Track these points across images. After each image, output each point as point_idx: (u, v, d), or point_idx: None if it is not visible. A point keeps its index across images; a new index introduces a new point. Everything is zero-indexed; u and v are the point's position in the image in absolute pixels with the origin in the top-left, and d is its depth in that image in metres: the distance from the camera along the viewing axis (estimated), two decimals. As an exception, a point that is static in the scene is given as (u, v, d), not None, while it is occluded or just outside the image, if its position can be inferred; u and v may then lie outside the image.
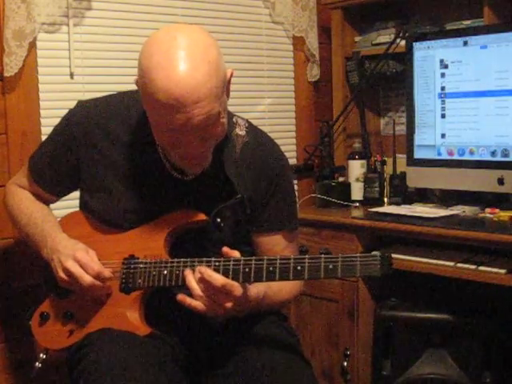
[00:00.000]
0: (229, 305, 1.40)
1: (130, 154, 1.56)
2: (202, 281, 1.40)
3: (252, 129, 1.62)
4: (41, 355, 1.62)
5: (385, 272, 1.33)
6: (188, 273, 1.42)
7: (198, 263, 1.44)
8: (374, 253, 1.34)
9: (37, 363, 1.62)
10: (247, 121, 1.64)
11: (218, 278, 1.38)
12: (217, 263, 1.42)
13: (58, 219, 1.68)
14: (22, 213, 1.65)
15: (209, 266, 1.42)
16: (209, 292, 1.39)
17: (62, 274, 1.49)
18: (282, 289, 1.59)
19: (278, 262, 1.39)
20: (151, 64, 1.33)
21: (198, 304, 1.40)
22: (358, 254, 1.35)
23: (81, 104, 1.63)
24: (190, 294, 1.42)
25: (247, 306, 1.46)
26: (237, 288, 1.39)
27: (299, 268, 1.37)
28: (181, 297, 1.42)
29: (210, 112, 1.35)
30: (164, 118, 1.34)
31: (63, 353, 1.58)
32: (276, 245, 1.62)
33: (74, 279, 1.47)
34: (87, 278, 1.47)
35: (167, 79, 1.30)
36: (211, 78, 1.33)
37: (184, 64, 1.31)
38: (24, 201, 1.68)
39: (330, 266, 1.35)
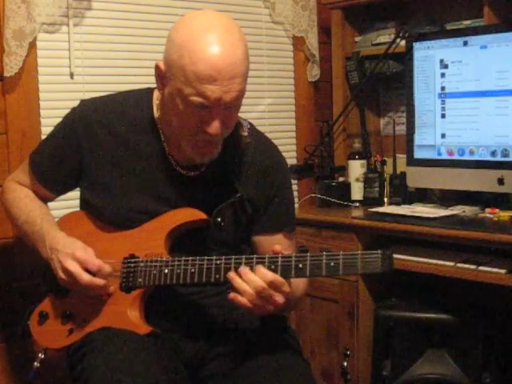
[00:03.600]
0: (280, 300, 1.38)
1: (134, 151, 1.57)
2: (250, 280, 1.37)
3: (254, 131, 1.64)
4: (39, 355, 1.62)
5: (386, 269, 1.33)
6: (233, 275, 1.40)
7: (199, 262, 1.45)
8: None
9: (35, 363, 1.62)
10: (249, 122, 1.65)
11: (267, 274, 1.37)
12: (218, 261, 1.43)
13: (57, 219, 1.68)
14: (21, 210, 1.65)
15: (210, 264, 1.43)
16: (259, 290, 1.37)
17: (62, 274, 1.49)
18: (299, 286, 1.58)
19: (280, 260, 1.40)
20: (192, 36, 1.36)
21: (246, 302, 1.38)
22: (359, 252, 1.36)
23: (84, 102, 1.63)
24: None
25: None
26: (285, 284, 1.38)
27: (301, 266, 1.38)
28: (232, 296, 1.39)
29: (241, 92, 1.41)
30: (199, 91, 1.36)
31: (62, 352, 1.58)
32: (277, 244, 1.62)
33: (73, 278, 1.47)
34: (85, 277, 1.47)
35: (211, 51, 1.35)
36: (246, 59, 1.41)
37: (226, 40, 1.37)
38: (23, 198, 1.67)
39: (332, 264, 1.36)
